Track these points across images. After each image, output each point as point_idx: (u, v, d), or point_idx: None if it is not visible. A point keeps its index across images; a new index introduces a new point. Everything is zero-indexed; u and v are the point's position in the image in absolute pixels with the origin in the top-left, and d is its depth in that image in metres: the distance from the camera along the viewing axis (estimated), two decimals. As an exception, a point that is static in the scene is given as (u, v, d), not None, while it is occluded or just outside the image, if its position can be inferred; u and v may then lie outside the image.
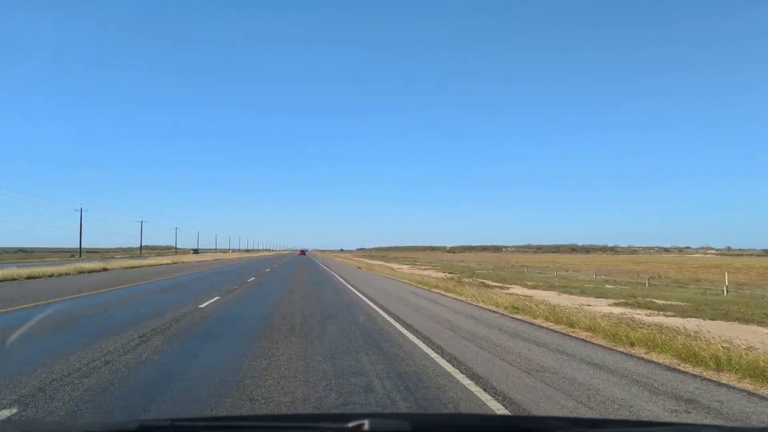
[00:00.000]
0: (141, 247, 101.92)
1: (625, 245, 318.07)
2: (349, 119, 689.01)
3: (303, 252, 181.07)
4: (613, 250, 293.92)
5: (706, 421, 5.06)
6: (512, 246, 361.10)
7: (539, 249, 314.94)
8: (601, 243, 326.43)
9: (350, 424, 1.84)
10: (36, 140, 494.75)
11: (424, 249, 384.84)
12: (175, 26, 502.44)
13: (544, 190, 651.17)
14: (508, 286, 26.68)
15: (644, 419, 4.88)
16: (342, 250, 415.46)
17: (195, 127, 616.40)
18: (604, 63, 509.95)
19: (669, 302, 18.26)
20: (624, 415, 5.15)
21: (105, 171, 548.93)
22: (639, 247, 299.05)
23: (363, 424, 1.83)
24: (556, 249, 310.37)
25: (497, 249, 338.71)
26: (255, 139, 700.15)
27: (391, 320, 12.23)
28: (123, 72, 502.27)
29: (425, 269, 50.07)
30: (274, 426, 2.06)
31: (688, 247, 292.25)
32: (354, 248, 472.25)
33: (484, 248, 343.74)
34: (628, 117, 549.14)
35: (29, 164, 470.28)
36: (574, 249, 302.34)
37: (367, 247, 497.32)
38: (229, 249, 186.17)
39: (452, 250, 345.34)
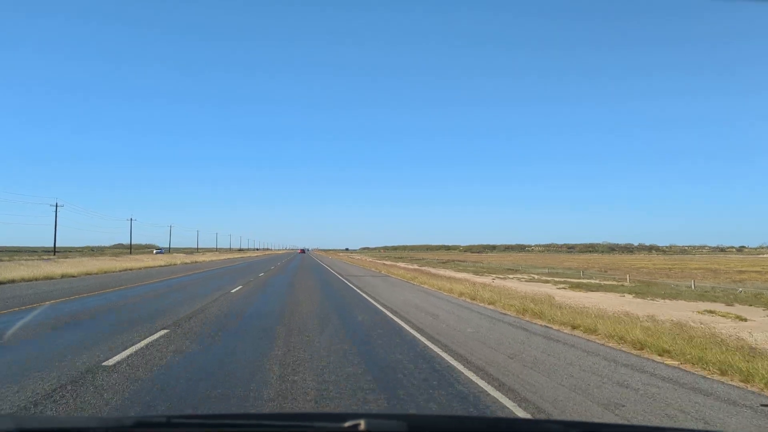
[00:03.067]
0: (55, 246, 66.77)
1: (665, 244, 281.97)
2: (351, 118, 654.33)
3: (303, 251, 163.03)
4: (659, 249, 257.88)
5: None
6: (538, 245, 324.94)
7: (571, 248, 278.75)
8: (635, 242, 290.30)
9: (346, 424, 1.82)
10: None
11: (437, 248, 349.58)
12: (175, 20, 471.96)
13: (557, 189, 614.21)
14: None
15: (640, 424, 4.75)
16: (347, 249, 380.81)
17: (193, 124, 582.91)
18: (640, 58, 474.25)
19: None
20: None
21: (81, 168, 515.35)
22: (688, 246, 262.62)
23: (359, 424, 1.81)
24: (591, 248, 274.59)
25: (521, 248, 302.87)
26: (255, 137, 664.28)
27: None
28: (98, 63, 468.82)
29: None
30: (269, 425, 2.01)
31: (744, 246, 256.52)
32: (357, 247, 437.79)
33: (508, 248, 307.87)
34: (673, 112, 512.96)
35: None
36: (612, 248, 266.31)
37: (371, 246, 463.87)
38: (155, 250, 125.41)
39: (469, 249, 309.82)
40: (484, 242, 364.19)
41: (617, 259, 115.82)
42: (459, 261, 73.63)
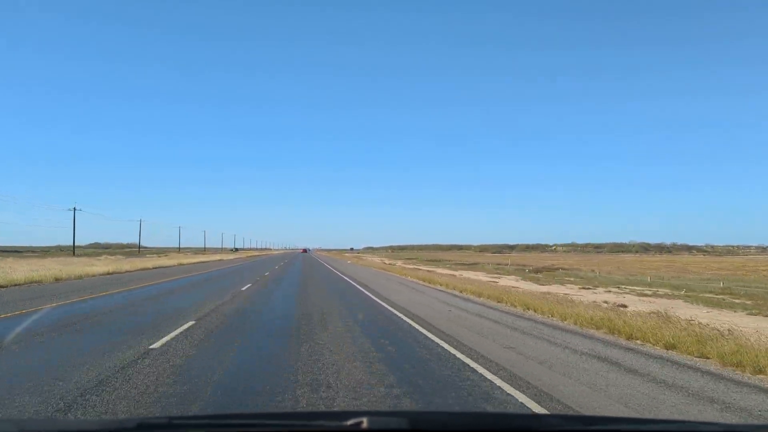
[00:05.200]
0: None
1: (702, 243, 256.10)
2: (351, 118, 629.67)
3: (305, 250, 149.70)
4: (699, 249, 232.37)
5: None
6: (557, 244, 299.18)
7: (599, 248, 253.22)
8: (668, 241, 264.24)
9: (349, 422, 1.80)
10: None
11: (448, 248, 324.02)
12: (175, 20, 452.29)
13: (567, 189, 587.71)
14: None
15: (643, 417, 4.74)
16: (352, 249, 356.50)
17: (193, 124, 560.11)
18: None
19: None
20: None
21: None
22: (734, 246, 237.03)
23: (361, 422, 1.79)
24: (620, 248, 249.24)
25: (543, 248, 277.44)
26: (255, 137, 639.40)
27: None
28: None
29: None
30: (271, 424, 2.00)
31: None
32: (360, 247, 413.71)
33: (528, 247, 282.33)
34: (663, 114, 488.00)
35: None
36: (645, 248, 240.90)
37: (374, 246, 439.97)
38: None
39: (484, 249, 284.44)
40: (494, 242, 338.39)
41: (691, 261, 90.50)
42: (565, 268, 47.49)
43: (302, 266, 47.63)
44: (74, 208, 73.00)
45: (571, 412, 5.02)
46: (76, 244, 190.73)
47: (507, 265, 50.33)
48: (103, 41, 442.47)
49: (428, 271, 37.86)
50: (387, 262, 67.62)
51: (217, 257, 62.94)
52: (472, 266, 52.52)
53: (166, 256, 73.48)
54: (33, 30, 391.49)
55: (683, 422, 3.22)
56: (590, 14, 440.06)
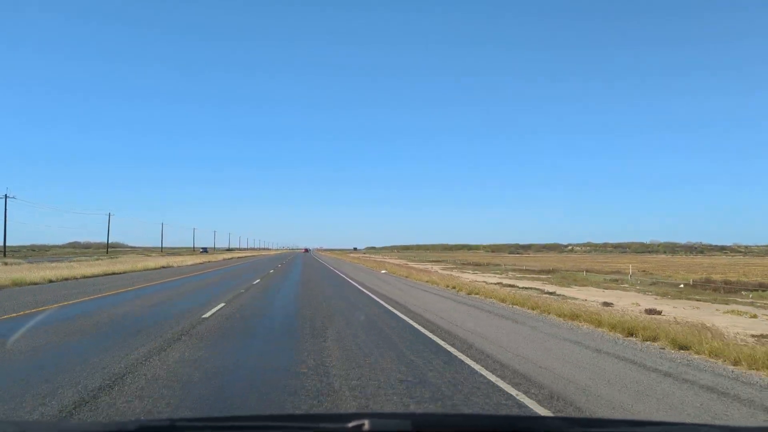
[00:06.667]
0: None
1: (730, 243, 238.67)
2: (351, 118, 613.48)
3: (307, 250, 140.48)
4: (733, 250, 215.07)
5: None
6: (571, 244, 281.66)
7: (624, 249, 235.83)
8: (695, 240, 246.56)
9: (350, 424, 1.80)
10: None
11: (457, 248, 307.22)
12: (175, 20, 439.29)
13: (578, 188, 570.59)
14: None
15: (642, 419, 4.65)
16: (355, 248, 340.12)
17: (193, 124, 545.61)
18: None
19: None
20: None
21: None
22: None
23: (363, 424, 1.79)
24: (646, 248, 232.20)
25: (561, 249, 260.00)
26: (255, 137, 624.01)
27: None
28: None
29: None
30: (273, 426, 1.98)
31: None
32: (362, 247, 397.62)
33: (545, 247, 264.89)
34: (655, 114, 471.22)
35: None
36: (673, 249, 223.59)
37: (377, 246, 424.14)
38: None
39: (496, 249, 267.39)
40: (498, 241, 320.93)
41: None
42: (730, 282, 29.86)
43: (300, 289, 20.84)
44: (5, 196, 56.03)
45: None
46: (54, 243, 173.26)
47: (629, 275, 32.79)
48: (103, 41, 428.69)
49: (539, 290, 20.62)
50: (413, 265, 50.59)
51: (164, 262, 43.74)
52: (552, 274, 35.20)
53: (116, 258, 56.15)
54: (33, 30, 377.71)
55: (683, 425, 3.19)
56: (590, 14, 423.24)
